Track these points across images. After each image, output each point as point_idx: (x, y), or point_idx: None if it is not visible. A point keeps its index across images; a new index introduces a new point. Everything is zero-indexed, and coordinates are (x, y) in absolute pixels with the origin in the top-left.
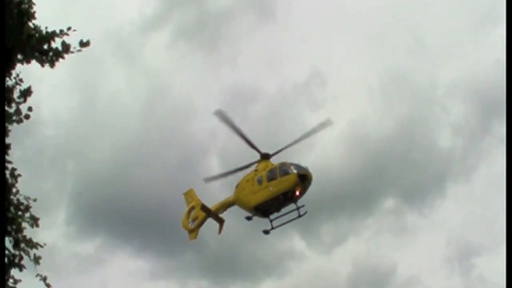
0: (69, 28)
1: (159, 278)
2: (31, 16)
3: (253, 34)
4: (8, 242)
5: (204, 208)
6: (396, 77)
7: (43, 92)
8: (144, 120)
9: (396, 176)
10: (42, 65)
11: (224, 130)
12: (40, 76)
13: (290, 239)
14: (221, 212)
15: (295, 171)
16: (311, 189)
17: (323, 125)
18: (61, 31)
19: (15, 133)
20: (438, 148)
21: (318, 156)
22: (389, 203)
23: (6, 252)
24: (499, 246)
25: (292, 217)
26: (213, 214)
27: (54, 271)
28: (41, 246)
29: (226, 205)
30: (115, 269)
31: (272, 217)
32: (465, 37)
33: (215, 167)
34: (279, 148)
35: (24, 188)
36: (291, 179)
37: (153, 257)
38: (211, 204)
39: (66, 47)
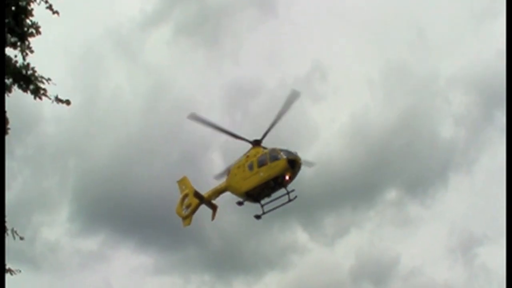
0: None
1: (162, 273)
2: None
3: (254, 29)
4: None
5: (197, 194)
6: (397, 70)
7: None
8: (146, 117)
9: (398, 168)
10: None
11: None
12: (41, 74)
13: (292, 232)
14: (214, 199)
15: (284, 157)
16: (314, 181)
17: (292, 97)
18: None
19: (16, 131)
20: (440, 139)
21: (321, 149)
22: (391, 194)
23: None
24: (501, 236)
25: (282, 202)
26: (206, 200)
27: (57, 267)
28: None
29: (218, 192)
30: (118, 265)
31: (263, 202)
32: (466, 28)
33: (217, 162)
34: (265, 130)
35: (26, 185)
36: (280, 164)
37: (155, 252)
38: (204, 192)
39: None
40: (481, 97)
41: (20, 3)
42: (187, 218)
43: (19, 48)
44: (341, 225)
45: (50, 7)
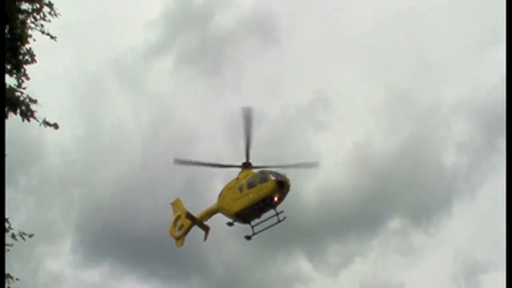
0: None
1: None
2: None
3: (256, 58)
4: None
5: (189, 216)
6: (400, 97)
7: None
8: (149, 146)
9: (402, 196)
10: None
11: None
12: (44, 106)
13: (296, 261)
14: (206, 220)
15: (273, 178)
16: (317, 210)
17: (311, 165)
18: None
19: (20, 162)
20: (443, 167)
21: (324, 178)
22: (395, 223)
23: None
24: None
25: (272, 223)
26: (198, 221)
27: None
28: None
29: (210, 213)
30: None
31: (253, 223)
32: (469, 56)
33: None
34: (263, 166)
35: (30, 216)
36: (269, 185)
37: (159, 283)
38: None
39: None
40: (483, 124)
41: (15, 31)
42: (179, 239)
43: (14, 76)
44: (345, 254)
45: (47, 34)
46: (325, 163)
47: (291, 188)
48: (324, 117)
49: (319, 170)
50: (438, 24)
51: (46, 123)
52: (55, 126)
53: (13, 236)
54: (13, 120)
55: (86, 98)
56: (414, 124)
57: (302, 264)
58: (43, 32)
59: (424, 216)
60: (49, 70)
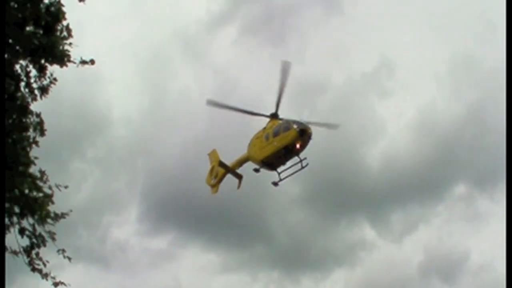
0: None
1: (230, 271)
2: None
3: (319, 26)
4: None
5: (222, 164)
6: (465, 61)
7: (113, 93)
8: (213, 116)
9: (467, 162)
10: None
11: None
12: (110, 77)
13: (360, 229)
14: (238, 168)
15: (295, 127)
16: (381, 177)
17: (332, 126)
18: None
19: (87, 134)
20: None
21: (388, 145)
22: (460, 189)
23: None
24: None
25: (296, 169)
26: (231, 169)
27: (127, 267)
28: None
29: (241, 161)
30: (187, 263)
31: (279, 170)
32: None
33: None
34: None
35: (97, 186)
36: (291, 133)
37: (223, 251)
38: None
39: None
40: None
41: (51, 9)
42: (214, 186)
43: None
44: (409, 221)
45: None
46: (389, 130)
47: (314, 137)
48: (388, 84)
49: (383, 136)
50: None
51: (83, 62)
52: (92, 62)
53: (50, 188)
54: (81, 92)
55: (150, 69)
56: (478, 88)
57: (366, 231)
58: None
59: (489, 182)
60: (115, 41)
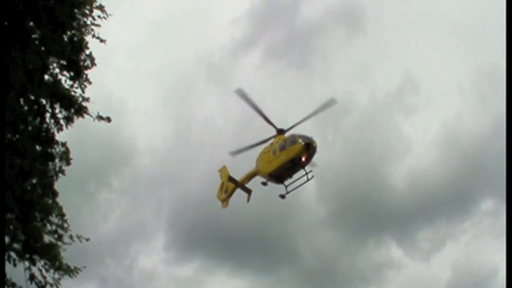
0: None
1: None
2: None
3: (343, 47)
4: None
5: (231, 179)
6: (489, 74)
7: (138, 122)
8: (238, 141)
9: (494, 176)
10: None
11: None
12: (135, 106)
13: (387, 248)
14: (247, 182)
15: (300, 141)
16: (407, 195)
17: (328, 104)
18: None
19: (114, 165)
20: None
21: (414, 162)
22: (487, 204)
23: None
24: None
25: (302, 182)
26: (240, 184)
27: None
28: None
29: (250, 176)
30: None
31: (286, 183)
32: None
33: (310, 183)
34: (292, 125)
35: (124, 216)
36: (297, 147)
37: (250, 275)
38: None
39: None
40: None
41: (75, 38)
42: (224, 201)
43: (77, 82)
44: (436, 238)
45: (97, 37)
46: (415, 147)
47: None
48: (413, 100)
49: (409, 154)
50: None
51: (100, 118)
52: (108, 119)
53: (71, 237)
54: (104, 126)
55: (175, 96)
56: (504, 99)
57: (393, 250)
58: (93, 36)
59: None
60: (139, 70)
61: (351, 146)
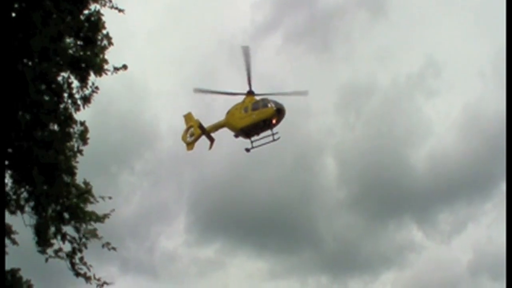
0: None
1: (279, 277)
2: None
3: (365, 30)
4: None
5: (201, 126)
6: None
7: (161, 105)
8: None
9: None
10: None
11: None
12: (157, 89)
13: (408, 231)
14: (213, 132)
15: (273, 105)
16: (428, 177)
17: (299, 93)
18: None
19: (136, 148)
20: None
21: (435, 144)
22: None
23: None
24: None
25: (268, 140)
26: (207, 132)
27: (176, 277)
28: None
29: (217, 126)
30: (235, 271)
31: (252, 139)
32: None
33: (331, 166)
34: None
35: (145, 198)
36: (270, 110)
37: (272, 257)
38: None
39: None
40: None
41: (92, 18)
42: (190, 144)
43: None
44: (457, 220)
45: (116, 8)
46: (436, 129)
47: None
48: (434, 83)
49: (430, 136)
50: None
51: (116, 69)
52: (125, 67)
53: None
54: (127, 109)
55: (196, 80)
56: None
57: (414, 232)
58: (111, 7)
59: None
60: (160, 54)
61: (373, 128)
